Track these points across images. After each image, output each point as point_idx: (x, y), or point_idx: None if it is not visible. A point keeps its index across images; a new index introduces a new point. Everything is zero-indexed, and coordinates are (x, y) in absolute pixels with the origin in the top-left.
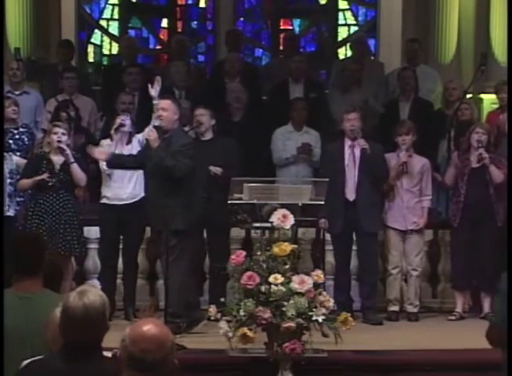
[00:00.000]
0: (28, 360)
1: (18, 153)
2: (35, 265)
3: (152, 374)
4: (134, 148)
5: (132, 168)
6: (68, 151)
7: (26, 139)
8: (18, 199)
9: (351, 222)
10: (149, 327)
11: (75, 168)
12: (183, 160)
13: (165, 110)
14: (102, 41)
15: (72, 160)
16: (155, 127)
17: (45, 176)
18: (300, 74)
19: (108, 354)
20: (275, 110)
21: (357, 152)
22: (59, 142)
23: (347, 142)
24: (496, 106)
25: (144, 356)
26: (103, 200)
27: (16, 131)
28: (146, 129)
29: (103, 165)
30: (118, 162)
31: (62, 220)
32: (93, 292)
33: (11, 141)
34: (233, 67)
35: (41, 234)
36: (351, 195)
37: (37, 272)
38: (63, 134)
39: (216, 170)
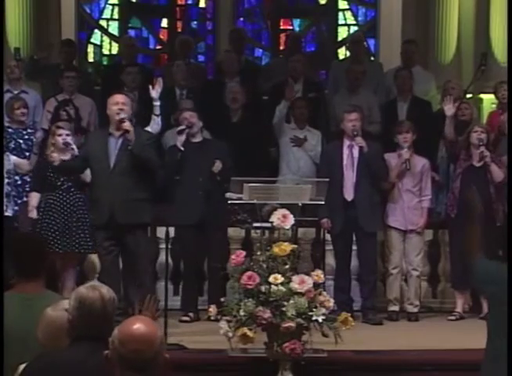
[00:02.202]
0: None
1: (27, 153)
2: (36, 267)
3: (144, 372)
4: None
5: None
6: (74, 146)
7: (34, 140)
8: (20, 200)
9: (350, 221)
10: (137, 326)
11: None
12: (154, 153)
13: (125, 105)
14: (102, 41)
15: (77, 154)
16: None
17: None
18: (297, 73)
19: None
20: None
21: (355, 152)
22: (64, 139)
23: (346, 142)
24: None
25: (135, 356)
26: None
27: (24, 132)
28: (126, 123)
29: None
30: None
31: (74, 218)
32: (100, 285)
33: (21, 141)
34: (232, 67)
35: (47, 234)
36: (349, 195)
37: (38, 274)
38: (67, 135)
39: (217, 166)
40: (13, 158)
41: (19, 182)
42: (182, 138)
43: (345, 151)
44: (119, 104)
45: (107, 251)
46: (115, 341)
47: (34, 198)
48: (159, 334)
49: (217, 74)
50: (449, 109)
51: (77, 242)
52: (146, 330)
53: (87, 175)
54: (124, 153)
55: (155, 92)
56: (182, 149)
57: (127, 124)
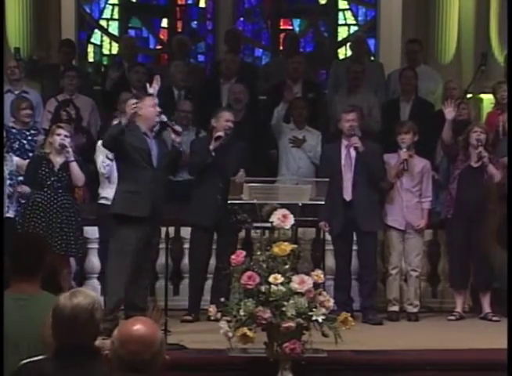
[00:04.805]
0: (25, 361)
1: (30, 154)
2: (34, 267)
3: (142, 374)
4: None
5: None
6: (69, 149)
7: (38, 141)
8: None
9: (349, 222)
10: (137, 327)
11: (74, 167)
12: None
13: None
14: (102, 41)
15: (72, 158)
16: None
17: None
18: (298, 74)
19: None
20: (273, 110)
21: (353, 152)
22: (62, 140)
23: (344, 143)
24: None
25: (132, 358)
26: (102, 201)
27: (28, 133)
28: (176, 126)
29: (101, 168)
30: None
31: (59, 219)
32: (84, 293)
33: (25, 141)
34: (229, 69)
35: (41, 235)
36: (347, 195)
37: (35, 274)
38: (66, 136)
39: (241, 177)
40: (16, 159)
41: None
42: (217, 143)
43: (343, 151)
44: (156, 106)
45: (135, 247)
46: (115, 341)
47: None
48: (159, 335)
49: (214, 75)
50: (449, 112)
51: (60, 243)
52: (145, 332)
53: (79, 179)
54: (163, 152)
55: (152, 90)
56: (214, 154)
57: (178, 127)
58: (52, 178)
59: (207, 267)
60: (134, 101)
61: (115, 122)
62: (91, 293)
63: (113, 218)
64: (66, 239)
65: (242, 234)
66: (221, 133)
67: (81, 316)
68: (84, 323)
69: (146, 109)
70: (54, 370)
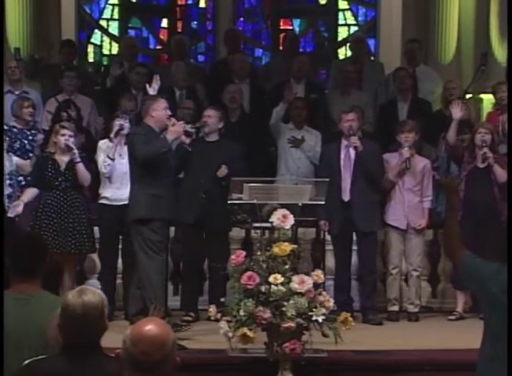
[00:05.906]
0: (28, 360)
1: (31, 154)
2: (34, 267)
3: (152, 374)
4: None
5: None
6: (75, 150)
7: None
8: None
9: (348, 222)
10: (150, 327)
11: (81, 168)
12: None
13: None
14: (102, 41)
15: (78, 159)
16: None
17: None
18: (302, 73)
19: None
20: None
21: (352, 153)
22: (66, 141)
23: (344, 143)
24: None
25: (144, 358)
26: (103, 201)
27: (28, 133)
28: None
29: (102, 168)
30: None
31: (70, 219)
32: (92, 291)
33: (26, 141)
34: (243, 69)
35: (45, 234)
36: (345, 196)
37: (35, 274)
38: (70, 136)
39: (222, 171)
40: (16, 159)
41: (23, 183)
42: (188, 139)
43: (342, 152)
44: (168, 109)
45: (160, 249)
46: (127, 341)
47: (28, 194)
48: (171, 336)
49: (215, 74)
50: (456, 113)
51: (73, 242)
52: (157, 332)
53: (85, 180)
54: (171, 153)
55: (152, 90)
56: (190, 149)
57: (189, 129)
58: (60, 179)
59: (198, 265)
60: (183, 122)
61: (118, 122)
62: (97, 290)
63: (135, 222)
64: (79, 237)
65: (242, 234)
66: (189, 128)
67: (91, 314)
68: (94, 320)
69: (159, 111)
70: (63, 367)
